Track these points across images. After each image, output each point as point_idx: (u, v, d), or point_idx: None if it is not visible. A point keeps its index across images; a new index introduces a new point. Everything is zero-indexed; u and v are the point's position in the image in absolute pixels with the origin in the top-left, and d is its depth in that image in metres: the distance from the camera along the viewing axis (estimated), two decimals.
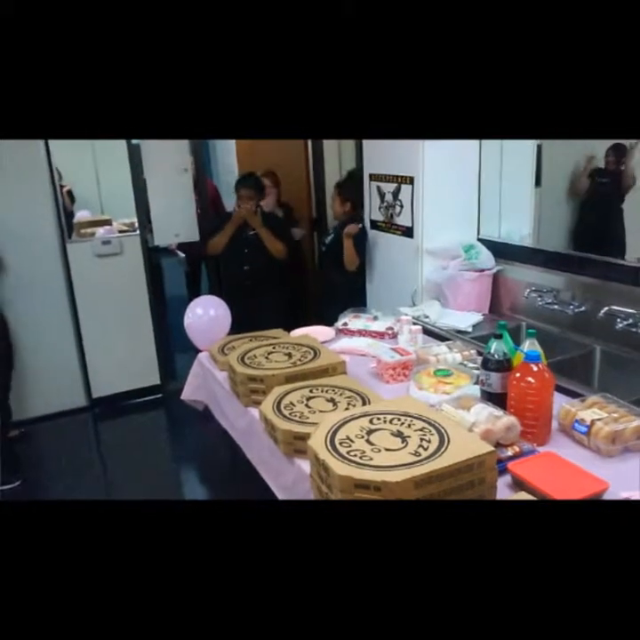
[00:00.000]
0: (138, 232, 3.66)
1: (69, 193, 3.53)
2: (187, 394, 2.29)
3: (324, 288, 3.39)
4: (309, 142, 4.00)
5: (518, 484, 1.27)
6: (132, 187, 3.61)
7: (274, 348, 1.98)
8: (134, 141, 3.55)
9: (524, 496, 1.17)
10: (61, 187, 3.44)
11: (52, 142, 3.32)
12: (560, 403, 1.53)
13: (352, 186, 3.17)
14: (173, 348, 3.99)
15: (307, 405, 1.60)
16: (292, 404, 1.61)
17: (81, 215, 3.77)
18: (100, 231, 3.68)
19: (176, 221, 3.66)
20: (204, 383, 2.20)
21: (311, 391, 1.68)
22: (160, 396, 3.80)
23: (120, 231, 3.70)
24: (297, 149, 4.02)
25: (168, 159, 3.58)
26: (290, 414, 1.56)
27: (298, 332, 2.27)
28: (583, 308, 2.13)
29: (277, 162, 3.92)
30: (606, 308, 1.98)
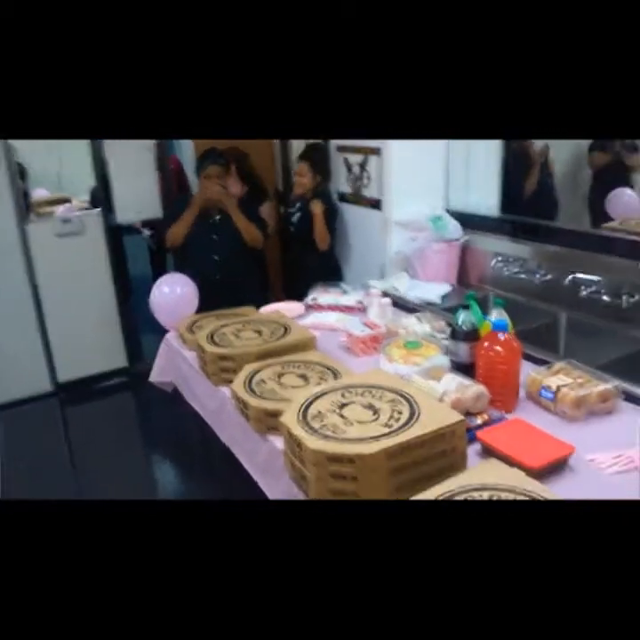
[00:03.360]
0: (99, 210, 3.55)
1: (19, 167, 3.36)
2: (155, 375, 2.25)
3: (294, 268, 3.25)
4: None
5: (488, 452, 1.30)
6: (91, 163, 3.49)
7: (243, 325, 1.96)
8: None
9: (494, 463, 1.19)
10: (17, 164, 3.30)
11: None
12: (527, 370, 1.56)
13: (320, 158, 3.03)
14: (140, 328, 3.91)
15: (278, 382, 1.59)
16: (263, 381, 1.60)
17: (38, 194, 3.64)
18: (60, 210, 3.55)
19: (138, 198, 3.55)
20: (173, 364, 2.17)
21: (282, 368, 1.67)
22: (127, 378, 3.73)
23: (80, 209, 3.59)
24: None
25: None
26: (261, 392, 1.55)
27: (267, 309, 2.24)
28: (549, 277, 2.17)
29: None
30: (571, 276, 2.02)
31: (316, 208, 2.85)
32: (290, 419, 1.29)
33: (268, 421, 1.48)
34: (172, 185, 3.82)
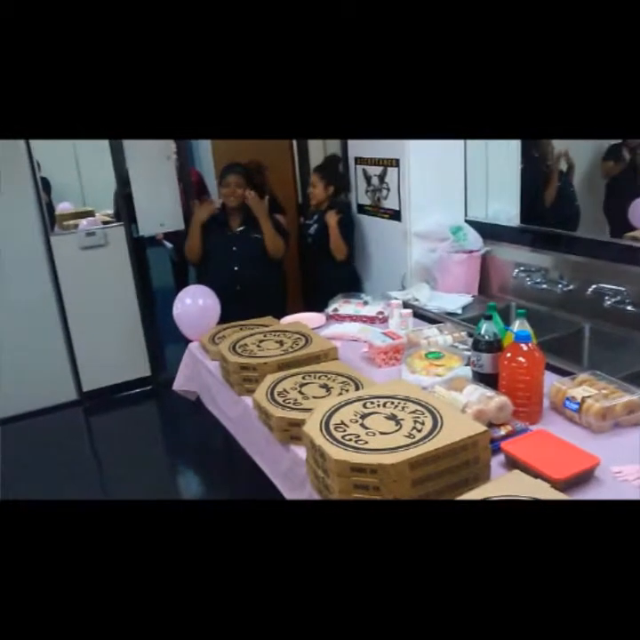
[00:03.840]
0: (122, 223, 3.61)
1: (44, 182, 3.45)
2: (178, 384, 2.28)
3: (311, 279, 3.28)
4: None
5: (512, 463, 1.29)
6: (114, 176, 3.56)
7: (265, 335, 1.98)
8: None
9: (517, 474, 1.18)
10: (41, 178, 3.39)
11: None
12: (550, 381, 1.55)
13: (333, 169, 3.08)
14: (163, 338, 3.96)
15: (300, 392, 1.60)
16: (285, 391, 1.61)
17: (63, 207, 3.72)
18: (84, 223, 3.63)
19: (161, 211, 3.61)
20: (196, 373, 2.20)
21: (304, 378, 1.68)
22: (151, 387, 3.78)
23: (103, 222, 3.66)
24: None
25: (151, 147, 3.52)
26: (284, 401, 1.56)
27: (288, 320, 2.26)
28: (571, 287, 2.15)
29: (257, 147, 3.83)
30: (594, 286, 2.00)
31: (331, 219, 2.88)
32: (313, 428, 1.30)
33: (291, 431, 1.49)
34: (194, 197, 3.87)
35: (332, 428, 1.30)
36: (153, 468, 2.99)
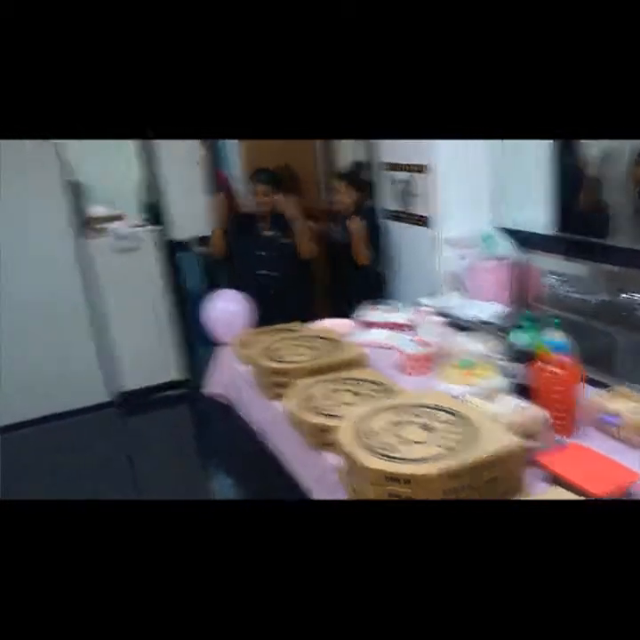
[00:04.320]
0: (152, 227, 3.66)
1: (76, 185, 3.52)
2: (209, 388, 2.31)
3: (337, 285, 3.29)
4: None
5: (549, 477, 1.27)
6: (145, 179, 3.61)
7: (296, 341, 1.99)
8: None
9: (559, 492, 1.16)
10: (74, 181, 3.46)
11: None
12: (585, 393, 1.53)
13: (358, 176, 3.08)
14: (195, 342, 4.01)
15: (331, 398, 1.61)
16: (316, 396, 1.62)
17: (95, 211, 3.79)
18: (116, 226, 3.69)
19: (192, 214, 3.65)
20: (227, 377, 2.22)
21: (335, 384, 1.69)
22: (183, 390, 3.82)
23: (135, 225, 3.72)
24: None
25: (181, 151, 3.57)
26: (315, 407, 1.57)
27: (317, 325, 2.27)
28: (605, 296, 2.12)
29: (283, 151, 3.84)
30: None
31: (354, 224, 2.88)
32: (346, 436, 1.31)
33: (322, 437, 1.50)
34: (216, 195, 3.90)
35: (365, 435, 1.30)
36: (185, 471, 3.02)
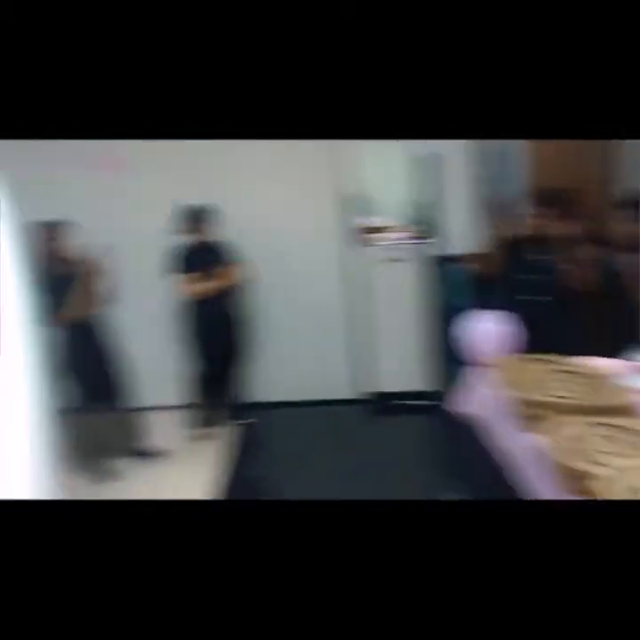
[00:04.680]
0: (425, 239, 3.81)
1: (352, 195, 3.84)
2: (456, 405, 2.34)
3: (608, 318, 3.01)
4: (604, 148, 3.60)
5: None
6: (421, 192, 3.77)
7: (562, 374, 1.91)
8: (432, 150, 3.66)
9: None
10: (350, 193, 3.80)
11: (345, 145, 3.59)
12: None
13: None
14: (450, 356, 4.08)
15: (598, 444, 1.51)
16: (580, 438, 1.54)
17: (368, 220, 4.10)
18: (386, 236, 3.95)
19: (465, 230, 3.70)
20: (480, 398, 2.22)
21: (604, 428, 1.58)
22: (427, 401, 3.92)
23: (407, 237, 3.92)
24: (590, 155, 3.66)
25: (462, 168, 3.63)
26: (577, 449, 1.49)
27: (584, 361, 2.12)
28: None
29: (564, 172, 3.61)
30: None
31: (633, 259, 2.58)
32: (612, 490, 1.23)
33: (583, 484, 1.42)
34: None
35: (633, 492, 1.21)
36: (410, 483, 3.13)
